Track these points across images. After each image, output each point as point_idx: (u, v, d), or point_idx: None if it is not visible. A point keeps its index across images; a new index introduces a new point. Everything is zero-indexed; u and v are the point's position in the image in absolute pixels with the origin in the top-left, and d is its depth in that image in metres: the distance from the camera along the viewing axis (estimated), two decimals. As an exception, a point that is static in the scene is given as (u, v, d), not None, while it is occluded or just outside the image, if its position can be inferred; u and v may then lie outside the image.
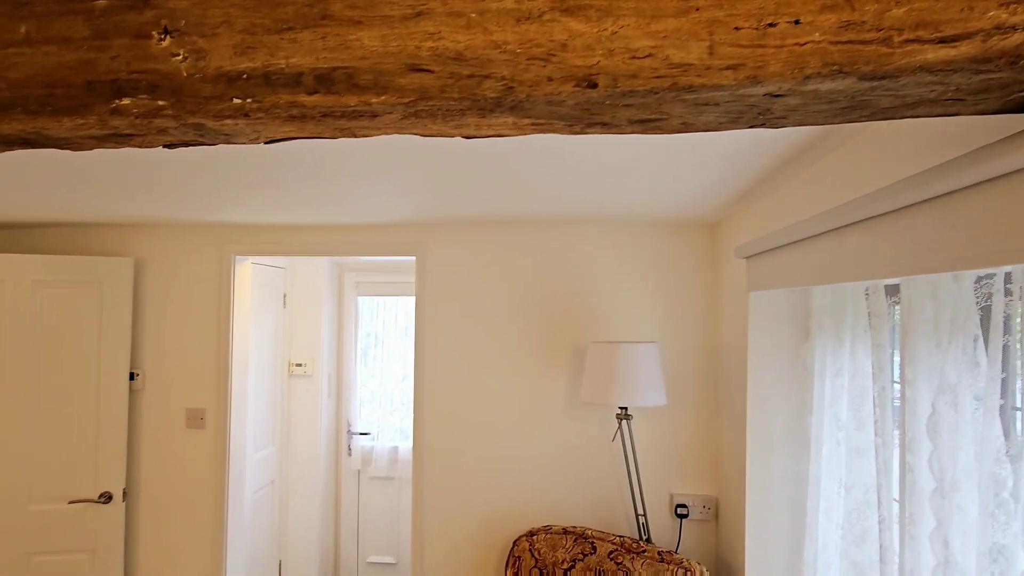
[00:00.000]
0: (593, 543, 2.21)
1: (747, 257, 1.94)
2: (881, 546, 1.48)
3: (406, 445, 3.93)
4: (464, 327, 2.60)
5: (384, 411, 4.01)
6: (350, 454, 3.97)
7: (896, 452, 1.46)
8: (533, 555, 2.26)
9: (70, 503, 2.63)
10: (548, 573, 2.21)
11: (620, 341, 2.17)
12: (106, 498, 2.65)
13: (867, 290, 1.59)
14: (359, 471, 3.98)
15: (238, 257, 2.78)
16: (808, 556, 1.86)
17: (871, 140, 1.31)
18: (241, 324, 2.88)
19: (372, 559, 3.97)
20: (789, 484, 1.98)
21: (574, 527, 2.32)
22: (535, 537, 2.30)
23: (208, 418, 2.74)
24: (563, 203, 2.10)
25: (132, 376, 2.75)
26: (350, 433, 3.97)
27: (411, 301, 4.01)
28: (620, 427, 2.29)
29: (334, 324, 3.98)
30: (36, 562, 2.61)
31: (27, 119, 0.83)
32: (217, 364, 2.75)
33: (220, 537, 2.72)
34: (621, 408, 2.26)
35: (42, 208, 2.28)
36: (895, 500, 1.46)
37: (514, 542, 2.34)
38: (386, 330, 4.05)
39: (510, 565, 2.31)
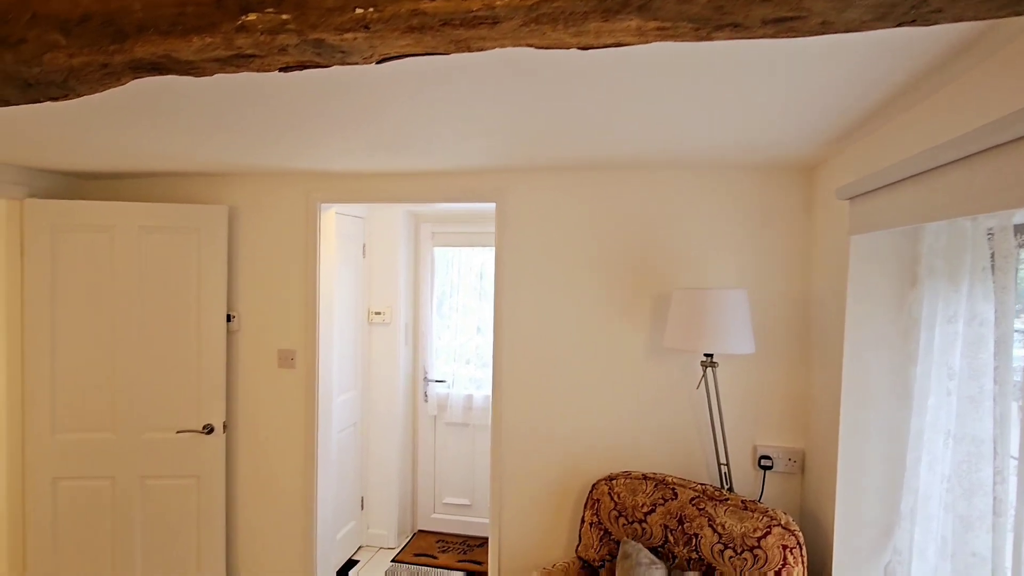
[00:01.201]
0: (674, 489, 2.21)
1: (850, 198, 1.83)
2: (995, 499, 1.41)
3: (480, 393, 4.02)
4: (544, 274, 2.60)
5: (458, 361, 4.09)
6: (426, 400, 4.09)
7: (1016, 402, 1.37)
8: (612, 498, 2.28)
9: (178, 433, 2.85)
10: (628, 516, 2.23)
11: (707, 287, 2.11)
12: (208, 429, 2.85)
13: (990, 230, 1.47)
14: (435, 417, 4.11)
15: (323, 205, 2.86)
16: (905, 509, 1.80)
17: (1005, 64, 1.18)
18: (326, 271, 2.98)
19: (447, 500, 4.13)
20: (886, 436, 1.90)
21: (654, 473, 2.32)
22: (614, 481, 2.32)
23: (298, 359, 2.87)
24: (650, 145, 2.03)
25: (229, 318, 2.92)
26: (426, 380, 4.09)
27: (486, 252, 4.04)
28: (705, 375, 2.25)
29: (411, 274, 4.06)
30: (149, 484, 2.86)
31: (159, 40, 0.86)
32: (305, 308, 2.87)
33: (311, 469, 2.88)
34: (706, 355, 2.22)
35: (148, 158, 2.41)
36: (1012, 453, 1.37)
37: (593, 485, 2.37)
38: (461, 281, 4.10)
39: (588, 507, 2.34)
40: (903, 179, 1.52)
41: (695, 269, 2.43)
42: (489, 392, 3.99)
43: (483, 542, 4.02)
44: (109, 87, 1.03)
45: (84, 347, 2.80)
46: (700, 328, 2.08)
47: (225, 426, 2.90)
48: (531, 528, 2.64)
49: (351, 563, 3.73)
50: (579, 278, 2.56)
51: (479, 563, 3.74)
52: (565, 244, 2.57)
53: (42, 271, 2.77)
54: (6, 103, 1.12)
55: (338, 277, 3.36)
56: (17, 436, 2.83)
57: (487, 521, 4.04)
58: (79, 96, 1.09)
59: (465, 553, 3.85)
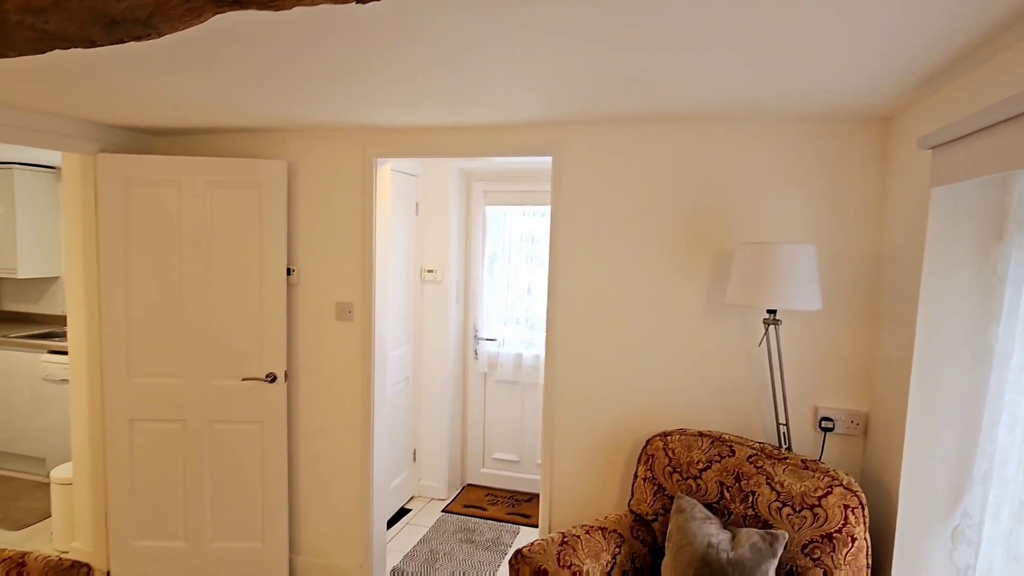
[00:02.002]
0: (731, 447, 2.19)
1: (933, 147, 1.73)
2: (1083, 461, 1.34)
3: (530, 352, 4.04)
4: (599, 230, 2.56)
5: (508, 320, 4.11)
6: (476, 358, 4.15)
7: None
8: (667, 454, 2.28)
9: (242, 380, 2.97)
10: (682, 472, 2.23)
11: (773, 242, 2.04)
12: (271, 378, 2.96)
13: (1094, 178, 1.37)
14: (485, 374, 4.17)
15: (378, 160, 2.88)
16: (978, 472, 1.74)
17: None
18: (381, 228, 3.01)
19: (496, 456, 4.21)
20: (960, 398, 1.83)
21: (710, 431, 2.30)
22: (669, 438, 2.31)
23: (355, 312, 2.94)
24: (716, 92, 1.95)
25: (289, 271, 3.00)
26: (477, 338, 4.14)
27: (537, 217, 4.01)
28: (767, 333, 2.20)
29: (462, 233, 4.08)
30: (217, 428, 3.00)
31: (242, -32, 0.86)
32: (362, 262, 2.92)
33: (368, 419, 2.97)
34: (769, 312, 2.16)
35: (212, 110, 2.46)
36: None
37: (647, 441, 2.36)
38: (512, 242, 4.10)
39: (642, 462, 2.34)
40: (994, 124, 1.42)
41: (758, 225, 2.36)
42: (539, 352, 4.01)
43: (531, 497, 4.09)
44: (191, 24, 1.04)
45: (155, 297, 2.93)
46: (765, 283, 2.02)
47: (287, 375, 3.01)
48: (582, 483, 2.67)
49: (403, 511, 3.87)
50: (636, 235, 2.52)
51: (528, 516, 3.82)
52: (622, 199, 2.53)
53: (115, 223, 2.89)
54: (91, 44, 1.15)
55: (392, 234, 3.40)
56: (97, 380, 3.01)
57: (535, 477, 4.12)
58: (160, 35, 1.11)
59: (513, 507, 3.94)
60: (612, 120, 2.45)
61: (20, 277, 4.60)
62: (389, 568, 3.21)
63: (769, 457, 2.11)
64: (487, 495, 4.11)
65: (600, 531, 2.16)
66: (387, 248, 3.01)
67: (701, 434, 2.27)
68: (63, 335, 4.53)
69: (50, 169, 4.69)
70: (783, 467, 2.05)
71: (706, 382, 2.46)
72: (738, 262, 2.13)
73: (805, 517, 1.94)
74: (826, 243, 2.28)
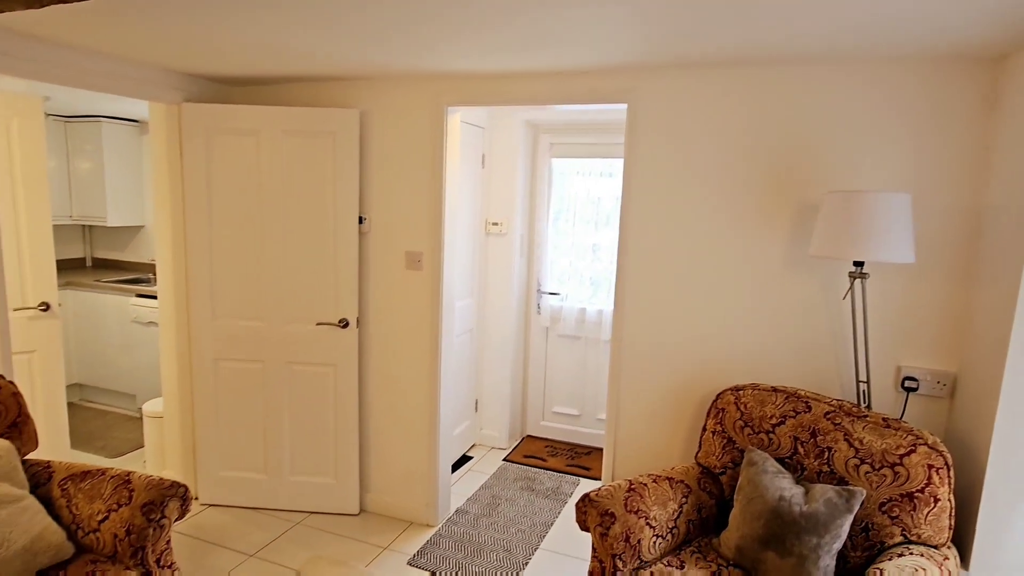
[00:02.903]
0: (807, 402, 2.13)
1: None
2: None
3: (593, 307, 4.03)
4: (675, 180, 2.49)
5: (572, 275, 4.10)
6: (539, 312, 4.17)
7: None
8: (738, 408, 2.25)
9: (317, 325, 3.09)
10: (754, 427, 2.20)
11: (865, 190, 1.94)
12: (344, 323, 3.06)
13: None
14: (547, 328, 4.19)
15: (449, 108, 2.87)
16: (1083, 437, 1.64)
17: None
18: (449, 179, 3.02)
19: (556, 409, 4.25)
20: (1067, 359, 1.72)
21: (784, 386, 2.25)
22: (741, 392, 2.27)
23: (425, 261, 2.98)
24: (804, 30, 1.84)
25: (361, 220, 3.06)
26: (540, 292, 4.15)
27: (604, 171, 3.93)
28: (852, 286, 2.11)
29: (527, 186, 4.05)
30: (294, 369, 3.14)
31: None
32: (431, 212, 2.95)
33: (435, 366, 3.04)
34: (856, 264, 2.07)
35: (287, 57, 2.50)
36: None
37: (718, 395, 2.34)
38: (577, 200, 4.04)
39: (712, 416, 2.32)
40: None
41: (847, 174, 2.24)
42: (602, 307, 3.99)
43: (591, 451, 4.14)
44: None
45: (236, 243, 3.06)
46: (854, 234, 1.93)
47: (358, 321, 3.11)
48: (647, 436, 2.67)
49: (465, 458, 3.98)
50: (712, 186, 2.44)
51: (587, 468, 3.87)
52: (700, 149, 2.44)
53: (198, 172, 3.01)
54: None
55: (459, 186, 3.40)
56: (184, 322, 3.19)
57: (596, 432, 4.16)
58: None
59: (573, 459, 3.99)
60: (693, 64, 2.35)
61: (109, 225, 4.88)
62: (453, 509, 3.33)
63: (848, 414, 2.05)
64: (546, 447, 4.18)
65: (667, 480, 2.17)
66: (455, 199, 3.02)
67: (775, 389, 2.22)
68: (149, 280, 4.80)
69: (134, 123, 4.91)
70: (862, 424, 1.99)
71: (781, 337, 2.39)
72: (825, 212, 2.04)
73: (885, 475, 1.89)
74: (921, 193, 2.15)
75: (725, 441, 2.26)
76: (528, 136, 3.98)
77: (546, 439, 4.30)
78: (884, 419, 1.99)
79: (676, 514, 2.11)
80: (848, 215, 1.95)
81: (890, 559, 1.76)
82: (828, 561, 1.82)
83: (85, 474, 2.08)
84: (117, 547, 1.93)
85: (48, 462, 2.15)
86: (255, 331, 3.12)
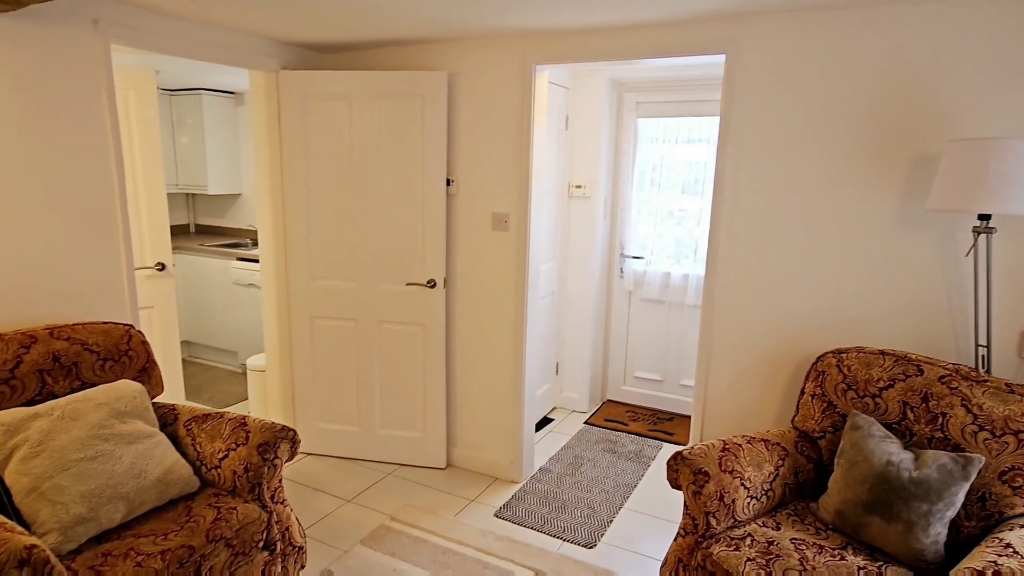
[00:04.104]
0: (919, 366, 2.02)
1: None
2: None
3: (679, 271, 3.95)
4: (776, 133, 2.38)
5: (657, 237, 4.01)
6: (622, 276, 4.12)
7: None
8: (841, 371, 2.16)
9: (407, 285, 3.18)
10: (858, 390, 2.11)
11: (996, 136, 1.78)
12: (431, 284, 3.15)
13: None
14: (630, 292, 4.14)
15: (537, 67, 2.84)
16: None
17: None
18: (536, 139, 3.01)
19: (639, 374, 4.23)
20: None
21: (892, 349, 2.14)
22: (844, 355, 2.18)
23: (511, 222, 3.00)
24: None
25: (448, 182, 3.11)
26: (623, 256, 4.10)
27: (693, 135, 3.80)
28: (976, 242, 1.96)
29: (611, 148, 3.98)
30: (384, 328, 3.27)
31: None
32: (518, 173, 2.95)
33: (521, 326, 3.08)
34: (982, 218, 1.92)
35: (376, 22, 2.54)
36: None
37: (818, 358, 2.25)
38: (664, 157, 3.94)
39: (811, 379, 2.24)
40: None
41: (970, 123, 2.06)
42: (688, 271, 3.90)
43: (673, 416, 4.10)
44: None
45: (331, 207, 3.18)
46: (981, 184, 1.78)
47: (445, 282, 3.18)
48: (737, 400, 2.62)
49: (546, 420, 4.04)
50: (818, 138, 2.31)
51: (670, 434, 3.84)
52: (804, 99, 2.31)
53: (295, 137, 3.14)
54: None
55: (544, 147, 3.39)
56: (283, 282, 3.36)
57: (678, 397, 4.11)
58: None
59: (655, 424, 3.97)
60: (802, 7, 2.22)
61: (210, 193, 5.18)
62: (536, 467, 3.39)
63: (965, 379, 1.92)
64: (627, 411, 4.17)
65: (762, 443, 2.12)
66: (539, 161, 3.01)
67: (883, 352, 2.12)
68: (247, 245, 5.09)
69: (230, 95, 5.15)
70: (982, 389, 1.87)
71: (890, 299, 2.26)
72: (947, 162, 1.89)
73: (1007, 443, 1.77)
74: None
75: (825, 405, 2.18)
76: (613, 96, 3.89)
77: (627, 404, 4.29)
78: (1007, 384, 1.86)
79: (772, 476, 2.06)
80: (973, 165, 1.80)
81: (1011, 529, 1.66)
82: (939, 529, 1.73)
83: (206, 416, 2.26)
84: (236, 483, 2.10)
85: (173, 405, 2.35)
86: (349, 291, 3.25)
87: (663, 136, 3.89)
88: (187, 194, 5.72)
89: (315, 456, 3.47)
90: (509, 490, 3.16)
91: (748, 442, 2.10)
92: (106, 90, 2.36)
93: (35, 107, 2.17)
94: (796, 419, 2.27)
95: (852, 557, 1.79)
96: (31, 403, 1.99)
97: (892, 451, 1.86)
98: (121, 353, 2.25)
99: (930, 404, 1.94)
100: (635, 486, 3.21)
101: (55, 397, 2.05)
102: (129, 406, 2.08)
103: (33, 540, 1.52)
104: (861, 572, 1.72)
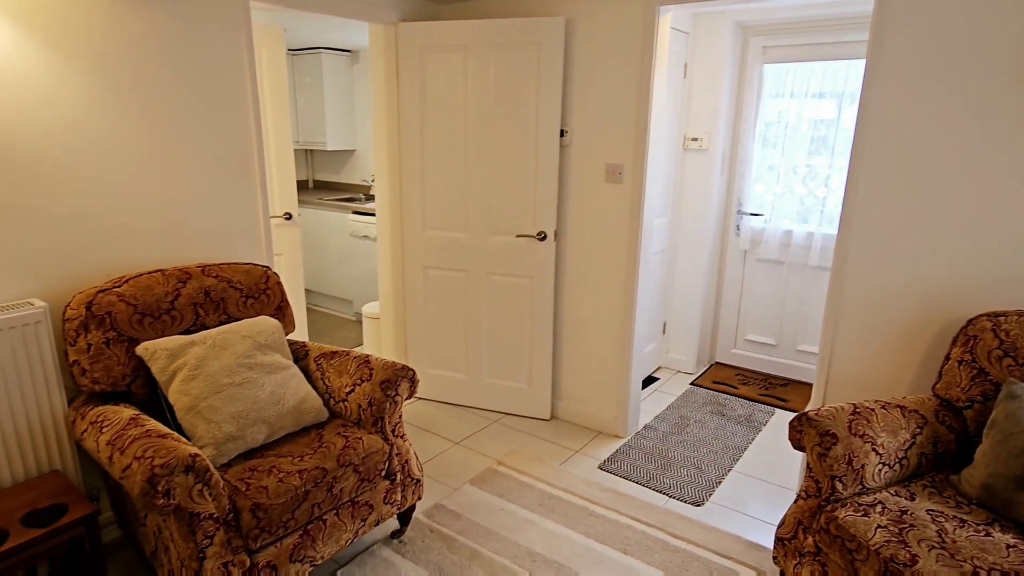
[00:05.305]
0: (1097, 332, 1.79)
1: None
2: None
3: (802, 230, 3.71)
4: (931, 74, 2.13)
5: (780, 193, 3.78)
6: (738, 233, 3.93)
7: None
8: (997, 336, 1.95)
9: (517, 237, 3.20)
10: (1018, 357, 1.90)
11: None
12: (542, 236, 3.15)
13: None
14: (745, 251, 3.95)
15: (661, 8, 2.70)
16: None
17: None
18: (655, 88, 2.88)
19: (751, 337, 4.06)
20: None
21: (1063, 314, 1.91)
22: (1002, 318, 1.97)
23: (626, 173, 2.93)
24: None
25: (562, 133, 3.06)
26: (740, 213, 3.90)
27: (821, 75, 3.50)
28: None
29: (732, 98, 3.75)
30: (493, 280, 3.32)
31: None
32: (636, 122, 2.86)
33: (632, 282, 3.02)
34: None
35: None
36: None
37: (969, 321, 2.05)
38: (790, 108, 3.67)
39: (959, 344, 2.05)
40: None
41: None
42: (813, 229, 3.66)
43: (787, 382, 3.92)
44: None
45: (445, 158, 3.24)
46: None
47: (556, 234, 3.17)
48: (867, 365, 2.44)
49: (651, 379, 3.98)
50: (984, 81, 2.05)
51: (784, 400, 3.67)
52: (971, 33, 2.05)
53: (412, 90, 3.20)
54: None
55: (660, 97, 3.25)
56: (398, 232, 3.49)
57: (794, 363, 3.92)
58: None
59: (766, 389, 3.82)
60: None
61: (328, 149, 5.43)
62: (642, 424, 3.37)
63: None
64: (737, 375, 4.03)
65: (899, 408, 1.98)
66: (657, 111, 2.89)
67: (1050, 317, 1.89)
68: (361, 199, 5.31)
69: (346, 53, 5.32)
70: None
71: (1062, 259, 2.01)
72: None
73: None
74: None
75: (975, 372, 1.99)
76: (737, 40, 3.65)
77: (736, 367, 4.14)
78: None
79: (907, 444, 1.92)
80: None
81: None
82: (1113, 513, 1.55)
83: (333, 354, 2.41)
84: (361, 415, 2.24)
85: (304, 342, 2.52)
86: (460, 242, 3.32)
87: (790, 89, 3.62)
88: (306, 150, 6.03)
89: (424, 400, 3.63)
90: (613, 444, 3.16)
91: (882, 407, 1.96)
92: (246, 46, 2.50)
93: (188, 62, 2.34)
94: (938, 386, 2.10)
95: (999, 534, 1.65)
96: (187, 332, 2.21)
97: (1057, 425, 1.68)
98: (260, 291, 2.43)
99: (1109, 376, 1.72)
100: (745, 449, 3.12)
101: (206, 328, 2.25)
102: (268, 340, 2.25)
103: (196, 450, 1.70)
104: (1011, 551, 1.58)
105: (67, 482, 1.96)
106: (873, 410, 1.94)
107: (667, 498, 2.70)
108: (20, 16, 1.91)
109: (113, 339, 1.99)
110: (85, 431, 1.87)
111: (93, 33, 2.08)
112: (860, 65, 3.39)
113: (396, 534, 2.41)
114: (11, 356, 1.91)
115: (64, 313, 2.02)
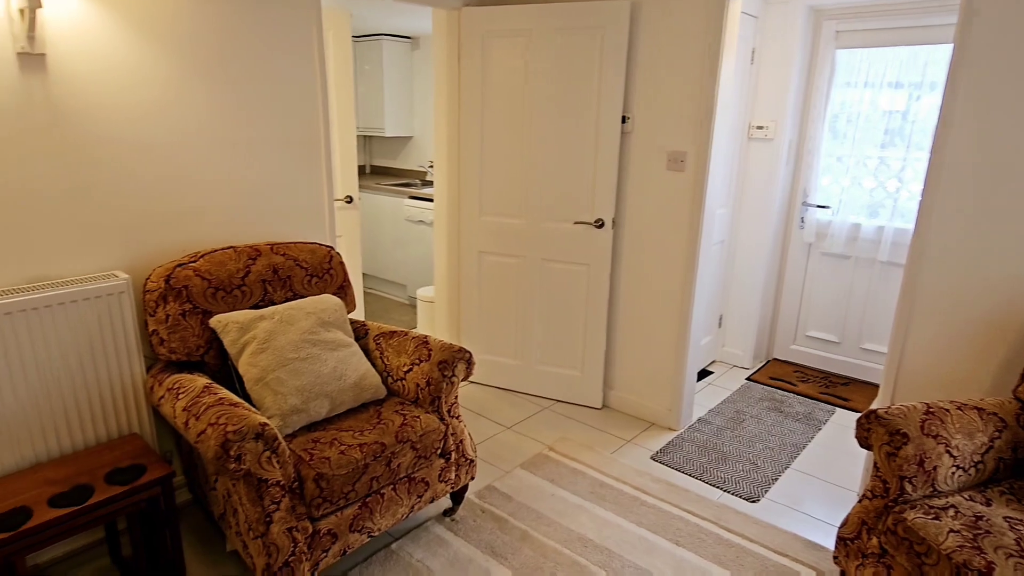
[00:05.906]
0: None
1: None
2: None
3: (871, 224, 3.56)
4: (1017, 61, 2.01)
5: (849, 186, 3.63)
6: (802, 226, 3.80)
7: None
8: (1090, 338, 1.83)
9: (574, 224, 3.19)
10: (1112, 361, 1.78)
11: None
12: (599, 223, 3.12)
13: None
14: (810, 245, 3.82)
15: (731, -9, 2.63)
16: None
17: None
18: (722, 73, 2.81)
19: (812, 333, 3.93)
20: None
21: None
22: (1096, 319, 1.85)
23: (688, 161, 2.87)
24: None
25: (624, 119, 3.02)
26: (805, 204, 3.77)
27: (898, 64, 3.33)
28: None
29: (801, 85, 3.62)
30: (548, 267, 3.32)
31: None
32: (699, 107, 2.79)
33: (691, 273, 2.97)
34: None
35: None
36: None
37: (1058, 321, 1.93)
38: (862, 98, 3.51)
39: (1046, 345, 1.93)
40: None
41: None
42: (884, 223, 3.51)
43: (848, 381, 3.78)
44: None
45: (503, 144, 3.24)
46: None
47: (614, 222, 3.14)
48: (941, 365, 2.33)
49: (705, 372, 3.91)
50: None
51: (846, 399, 3.55)
52: (1072, 12, 1.91)
53: (474, 75, 3.21)
54: None
55: (726, 84, 3.16)
56: (455, 217, 3.52)
57: (856, 361, 3.78)
58: None
59: (827, 387, 3.69)
60: None
61: (387, 135, 5.52)
62: (695, 417, 3.32)
63: None
64: (796, 371, 3.91)
65: (976, 410, 1.88)
66: (725, 97, 2.81)
67: None
68: (417, 185, 5.39)
69: (407, 39, 5.38)
70: None
71: None
72: None
73: None
74: None
75: (1063, 376, 1.88)
76: (808, 25, 3.51)
77: (795, 364, 4.03)
78: None
79: (984, 448, 1.83)
80: None
81: None
82: None
83: (392, 333, 2.46)
84: (419, 394, 2.28)
85: (363, 321, 2.58)
86: (516, 228, 3.33)
87: (863, 78, 3.46)
88: (364, 136, 6.14)
89: (476, 384, 3.67)
90: (666, 436, 3.13)
91: (958, 408, 1.88)
92: (316, 30, 2.56)
93: (262, 44, 2.41)
94: (1020, 389, 1.99)
95: (1086, 547, 1.55)
96: (256, 307, 2.29)
97: None
98: (324, 271, 2.50)
99: None
100: (804, 447, 3.03)
101: (273, 304, 2.34)
102: (331, 317, 2.32)
103: (265, 420, 1.77)
104: (1099, 565, 1.49)
105: (144, 445, 2.07)
106: (948, 411, 1.86)
107: (721, 492, 2.66)
108: (114, 2, 2.01)
109: (189, 311, 2.09)
110: (162, 397, 1.98)
111: (182, 17, 2.17)
112: (942, 51, 3.22)
113: (448, 512, 2.46)
114: (97, 324, 2.02)
115: (144, 285, 2.13)
